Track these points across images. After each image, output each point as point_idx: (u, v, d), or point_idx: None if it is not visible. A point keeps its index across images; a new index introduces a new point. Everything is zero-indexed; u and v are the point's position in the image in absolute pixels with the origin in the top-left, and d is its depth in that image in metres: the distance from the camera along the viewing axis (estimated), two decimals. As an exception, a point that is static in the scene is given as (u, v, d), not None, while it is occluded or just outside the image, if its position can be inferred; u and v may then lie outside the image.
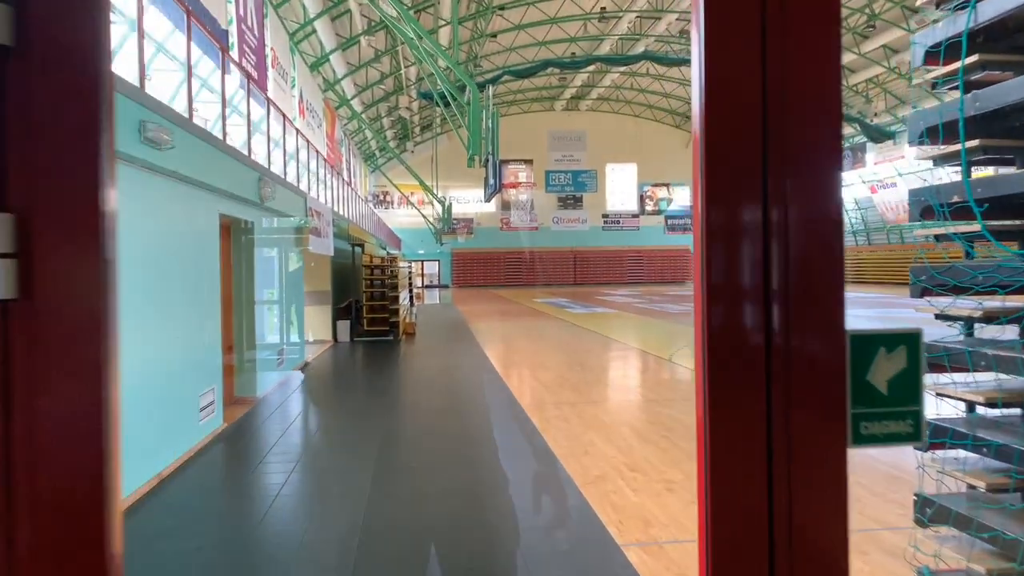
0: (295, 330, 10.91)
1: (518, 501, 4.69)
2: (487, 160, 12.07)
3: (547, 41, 34.62)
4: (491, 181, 12.01)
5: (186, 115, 5.64)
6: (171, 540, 4.10)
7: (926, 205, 2.38)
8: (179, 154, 5.07)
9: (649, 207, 52.41)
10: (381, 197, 48.88)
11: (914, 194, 2.50)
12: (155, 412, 5.12)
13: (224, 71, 8.57)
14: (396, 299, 15.00)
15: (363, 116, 34.98)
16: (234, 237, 8.17)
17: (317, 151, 14.77)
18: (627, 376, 10.07)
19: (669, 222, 52.54)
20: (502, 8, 29.77)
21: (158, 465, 5.12)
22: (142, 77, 4.94)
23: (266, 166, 9.51)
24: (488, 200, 13.96)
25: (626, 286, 45.94)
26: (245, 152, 8.39)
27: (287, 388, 9.19)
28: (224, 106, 7.67)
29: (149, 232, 5.07)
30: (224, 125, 7.64)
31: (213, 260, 6.66)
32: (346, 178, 32.87)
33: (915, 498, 2.68)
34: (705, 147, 0.85)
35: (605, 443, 6.09)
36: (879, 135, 36.46)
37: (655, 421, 6.91)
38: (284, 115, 11.83)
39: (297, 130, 12.39)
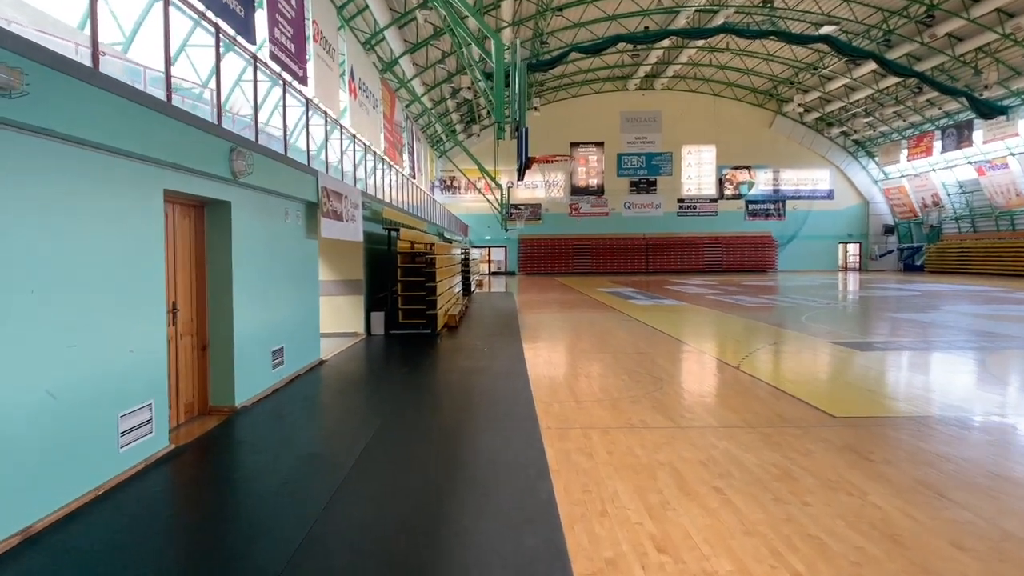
0: (306, 324, 9.71)
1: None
2: (516, 128, 10.43)
3: (618, 15, 32.47)
4: (522, 156, 10.37)
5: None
6: None
7: None
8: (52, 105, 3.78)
9: (728, 191, 49.37)
10: (448, 182, 47.85)
11: None
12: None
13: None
14: (433, 289, 13.68)
15: (426, 98, 33.87)
16: (209, 220, 6.97)
17: (341, 125, 13.52)
18: (680, 390, 8.37)
19: (750, 207, 49.38)
20: (568, -21, 27.90)
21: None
22: None
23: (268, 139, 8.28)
24: (521, 178, 12.37)
25: (702, 275, 43.39)
26: (213, 118, 7.15)
27: (279, 396, 8.00)
28: (168, 57, 6.38)
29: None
30: (220, 95, 6.38)
31: (153, 249, 5.43)
32: (407, 162, 31.92)
33: None
34: None
35: (633, 496, 4.51)
36: (989, 111, 32.57)
37: (707, 460, 5.27)
38: (283, 79, 10.59)
39: (308, 99, 11.14)
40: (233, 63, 18.02)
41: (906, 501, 4.38)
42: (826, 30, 32.07)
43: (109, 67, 10.91)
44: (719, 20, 32.18)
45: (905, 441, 5.81)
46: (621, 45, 33.23)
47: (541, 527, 4.03)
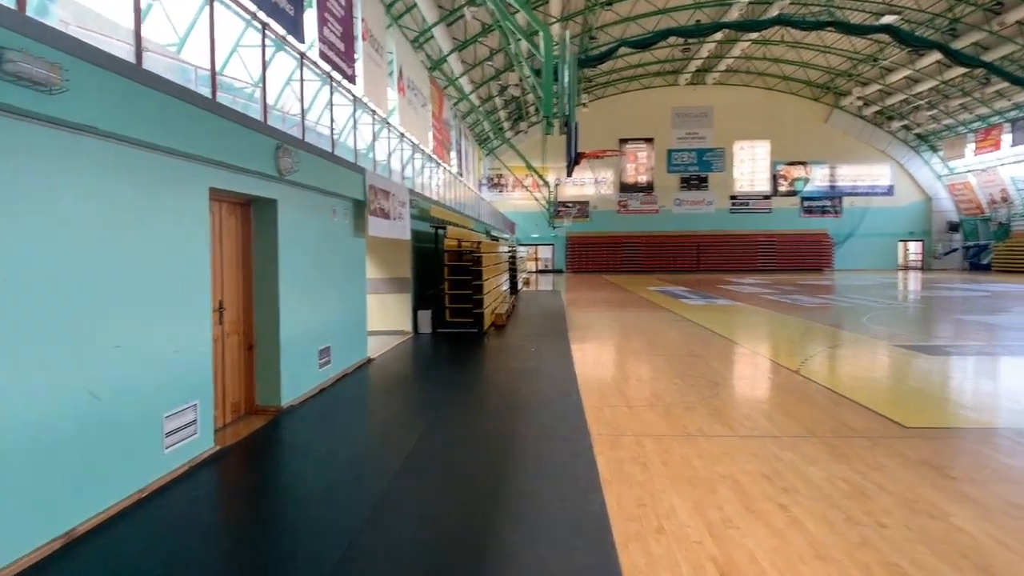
0: (353, 323, 9.65)
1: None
2: (566, 123, 10.12)
3: (668, 8, 31.79)
4: (571, 152, 10.07)
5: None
6: None
7: None
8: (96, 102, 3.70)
9: (783, 188, 47.98)
10: (496, 180, 47.75)
11: None
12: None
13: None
14: (480, 288, 13.52)
15: (474, 96, 33.81)
16: (256, 218, 6.92)
17: (388, 122, 13.46)
18: (737, 396, 8.00)
19: (805, 204, 47.88)
20: (617, -27, 27.41)
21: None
22: None
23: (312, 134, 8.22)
24: (570, 174, 12.08)
25: (755, 274, 42.27)
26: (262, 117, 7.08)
27: (326, 396, 7.93)
28: (209, 56, 6.32)
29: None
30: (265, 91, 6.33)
31: (199, 248, 5.37)
32: (455, 160, 31.91)
33: None
34: None
35: (691, 512, 4.24)
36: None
37: (771, 473, 4.95)
38: (332, 77, 10.54)
39: (356, 98, 11.08)
40: (285, 62, 18.19)
41: (997, 526, 3.99)
42: (887, 20, 30.80)
43: (157, 66, 11.00)
44: (774, 11, 31.23)
45: (987, 456, 5.37)
46: (672, 39, 32.53)
47: (593, 544, 3.79)
